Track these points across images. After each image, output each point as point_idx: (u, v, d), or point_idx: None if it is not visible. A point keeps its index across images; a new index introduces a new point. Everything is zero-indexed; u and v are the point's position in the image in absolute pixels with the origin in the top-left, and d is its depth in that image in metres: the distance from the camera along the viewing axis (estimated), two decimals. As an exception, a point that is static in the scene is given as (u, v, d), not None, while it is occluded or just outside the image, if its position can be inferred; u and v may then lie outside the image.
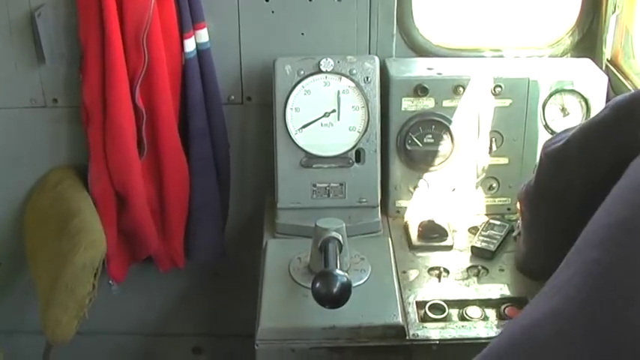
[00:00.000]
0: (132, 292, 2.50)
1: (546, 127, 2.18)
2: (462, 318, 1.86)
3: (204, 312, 2.73)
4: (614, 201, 1.13)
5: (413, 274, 2.00)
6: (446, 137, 2.17)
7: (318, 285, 1.68)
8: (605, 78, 2.18)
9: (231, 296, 2.63)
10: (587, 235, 1.16)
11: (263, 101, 2.29)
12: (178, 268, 2.45)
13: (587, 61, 2.28)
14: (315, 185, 2.14)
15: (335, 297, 1.68)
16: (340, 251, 1.85)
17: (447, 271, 2.00)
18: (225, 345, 2.75)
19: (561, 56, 2.35)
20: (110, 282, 2.34)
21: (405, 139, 2.17)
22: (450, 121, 2.16)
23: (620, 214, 1.10)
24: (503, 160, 2.21)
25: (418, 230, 2.13)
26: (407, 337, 1.80)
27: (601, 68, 2.25)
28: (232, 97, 2.34)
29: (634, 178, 1.12)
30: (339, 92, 2.11)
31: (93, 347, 2.68)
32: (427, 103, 2.15)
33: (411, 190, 2.22)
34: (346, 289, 1.68)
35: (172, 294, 2.69)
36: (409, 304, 1.89)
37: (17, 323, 2.61)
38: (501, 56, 2.35)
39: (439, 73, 2.17)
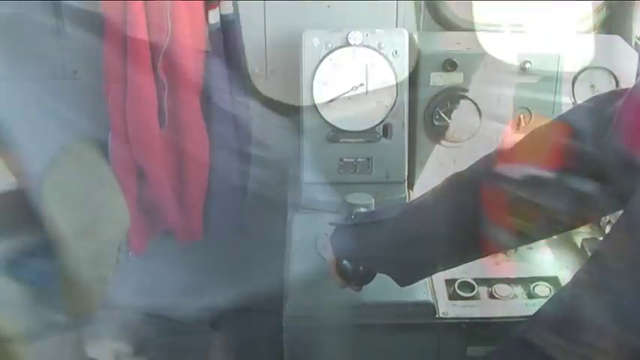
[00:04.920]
0: (149, 265, 2.48)
1: (575, 104, 2.14)
2: (491, 296, 1.85)
3: (222, 286, 2.70)
4: None
5: (441, 251, 1.98)
6: (473, 113, 2.14)
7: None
8: (636, 55, 2.15)
9: (249, 271, 2.61)
10: None
11: (287, 74, 2.25)
12: (197, 242, 2.43)
13: (616, 38, 2.24)
14: (341, 160, 2.12)
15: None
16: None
17: (476, 249, 1.98)
18: (243, 320, 2.73)
19: (588, 33, 2.32)
20: (129, 254, 2.32)
21: (433, 115, 2.14)
22: (477, 97, 2.12)
23: None
24: (531, 137, 2.18)
25: (445, 207, 2.11)
26: (437, 315, 1.79)
27: (630, 45, 2.22)
28: (256, 70, 2.31)
29: None
30: (367, 66, 2.07)
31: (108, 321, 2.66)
32: (456, 78, 2.12)
33: (438, 165, 2.19)
34: None
35: (190, 268, 2.66)
36: (438, 281, 1.87)
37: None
38: (528, 32, 2.31)
39: (468, 48, 2.13)
